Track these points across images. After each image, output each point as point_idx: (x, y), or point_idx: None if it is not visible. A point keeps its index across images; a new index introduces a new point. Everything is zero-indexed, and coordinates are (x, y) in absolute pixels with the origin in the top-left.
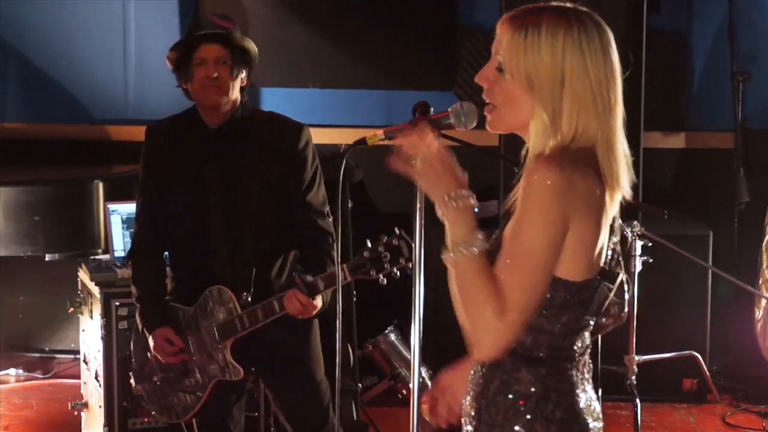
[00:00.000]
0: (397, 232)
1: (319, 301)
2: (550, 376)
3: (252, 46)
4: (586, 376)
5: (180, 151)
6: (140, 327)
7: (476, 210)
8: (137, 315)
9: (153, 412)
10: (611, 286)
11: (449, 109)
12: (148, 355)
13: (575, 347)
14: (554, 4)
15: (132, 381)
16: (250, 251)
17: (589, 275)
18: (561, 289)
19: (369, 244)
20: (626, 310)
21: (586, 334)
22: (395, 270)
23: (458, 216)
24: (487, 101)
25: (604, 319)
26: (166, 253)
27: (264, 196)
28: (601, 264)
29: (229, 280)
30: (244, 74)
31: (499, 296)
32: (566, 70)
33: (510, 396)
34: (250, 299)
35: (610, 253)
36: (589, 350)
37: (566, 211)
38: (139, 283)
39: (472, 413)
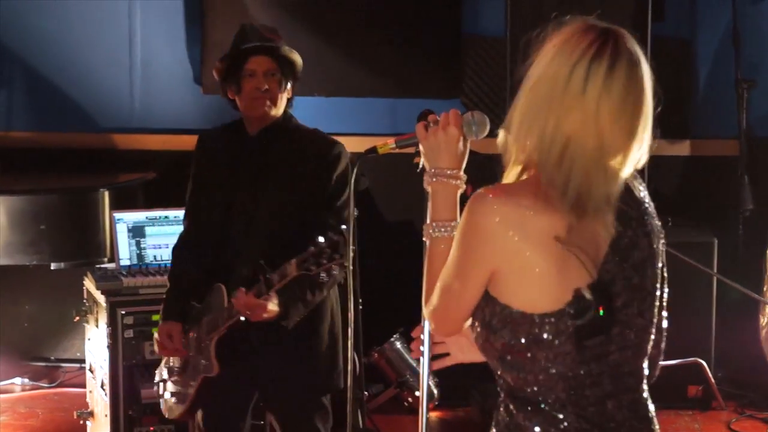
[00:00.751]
0: (342, 227)
1: (272, 305)
2: (548, 423)
3: (298, 59)
4: (611, 425)
5: (221, 155)
6: None
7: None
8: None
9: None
10: (581, 313)
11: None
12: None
13: (577, 393)
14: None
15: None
16: (264, 253)
17: (556, 306)
18: (523, 322)
19: (320, 239)
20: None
21: (601, 382)
22: (333, 266)
23: (440, 191)
24: None
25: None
26: None
27: (287, 202)
28: (582, 294)
29: (246, 280)
30: (289, 86)
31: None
32: (531, 76)
33: None
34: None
35: (612, 283)
36: (616, 399)
37: (498, 243)
38: (171, 277)
39: None
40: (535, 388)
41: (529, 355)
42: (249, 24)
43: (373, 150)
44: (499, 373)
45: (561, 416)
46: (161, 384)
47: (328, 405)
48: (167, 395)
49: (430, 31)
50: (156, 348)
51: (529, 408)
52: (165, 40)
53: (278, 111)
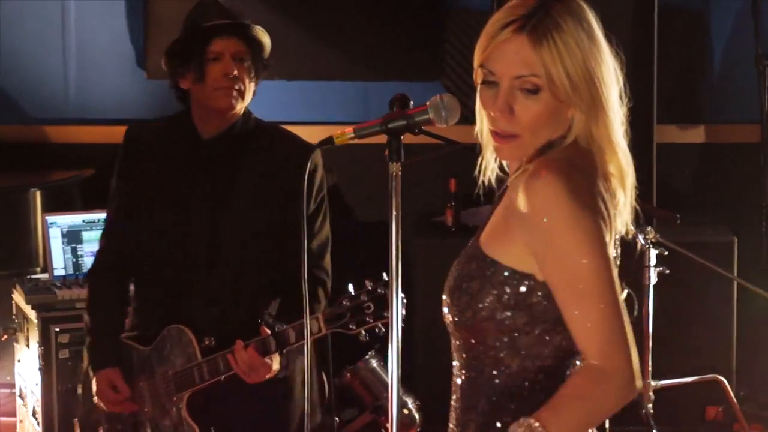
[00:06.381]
0: (385, 278)
1: (275, 363)
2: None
3: (268, 42)
4: None
5: (164, 162)
6: (85, 364)
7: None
8: (85, 349)
9: None
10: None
11: (427, 103)
12: (95, 399)
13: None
14: None
15: (77, 430)
16: (227, 287)
17: None
18: (553, 300)
19: (351, 291)
20: None
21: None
22: (380, 325)
23: None
24: (507, 133)
25: None
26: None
27: (255, 226)
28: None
29: (198, 319)
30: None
31: (598, 374)
32: (593, 65)
33: None
34: (213, 344)
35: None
36: None
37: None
38: (93, 310)
39: None
40: (519, 373)
41: (539, 335)
42: None
43: (328, 140)
44: (498, 354)
45: (531, 405)
46: None
47: None
48: None
49: (407, 5)
50: (100, 402)
51: (504, 400)
52: (103, 18)
53: (243, 107)
